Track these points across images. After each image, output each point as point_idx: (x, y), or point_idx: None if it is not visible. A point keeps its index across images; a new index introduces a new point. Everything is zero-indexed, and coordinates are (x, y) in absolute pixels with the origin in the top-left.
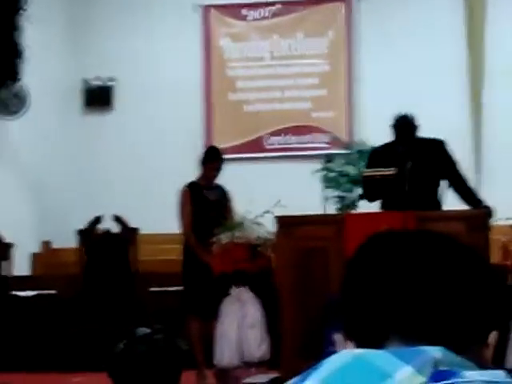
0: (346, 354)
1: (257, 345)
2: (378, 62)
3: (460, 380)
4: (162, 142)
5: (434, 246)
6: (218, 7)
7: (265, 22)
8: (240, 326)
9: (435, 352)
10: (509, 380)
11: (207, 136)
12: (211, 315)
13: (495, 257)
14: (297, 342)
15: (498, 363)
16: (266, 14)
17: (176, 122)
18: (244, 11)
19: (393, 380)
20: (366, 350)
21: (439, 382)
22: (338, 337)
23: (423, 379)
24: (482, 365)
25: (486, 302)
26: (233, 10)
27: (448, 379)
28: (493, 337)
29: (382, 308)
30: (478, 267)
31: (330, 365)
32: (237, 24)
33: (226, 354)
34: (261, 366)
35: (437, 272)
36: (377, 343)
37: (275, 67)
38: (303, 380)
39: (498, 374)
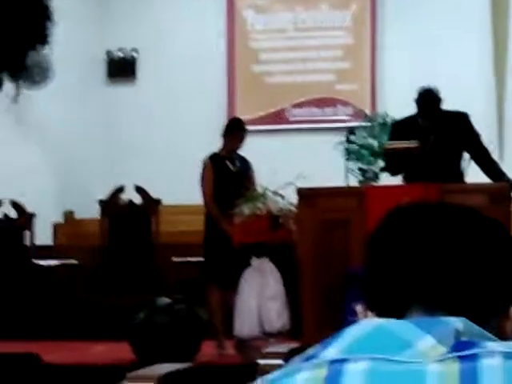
0: (367, 323)
1: (277, 315)
2: (401, 34)
3: (480, 350)
4: (184, 113)
5: (455, 217)
6: None
7: None
8: (260, 297)
9: (456, 323)
10: None
11: (230, 107)
12: (232, 285)
13: None
14: (317, 313)
15: None
16: None
17: (199, 93)
18: None
19: (414, 349)
20: (387, 320)
21: (460, 352)
22: (358, 307)
23: (444, 349)
24: (502, 337)
25: (508, 274)
26: None
27: (469, 349)
28: None
29: (403, 279)
30: (500, 239)
31: (350, 333)
32: None
33: (246, 324)
34: (281, 336)
35: (458, 243)
36: (398, 314)
37: (298, 39)
38: (324, 348)
39: None
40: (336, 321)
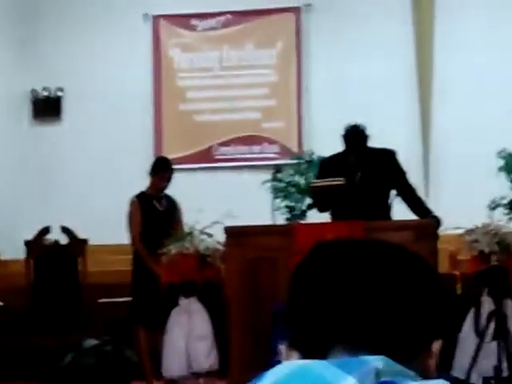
0: (289, 365)
1: (205, 355)
2: (327, 72)
3: None
4: (111, 152)
5: (376, 253)
6: (167, 17)
7: (214, 33)
8: (188, 337)
9: (377, 362)
10: None
11: (157, 146)
12: (160, 326)
13: (443, 266)
14: (245, 353)
15: (444, 371)
16: (216, 25)
17: (126, 132)
18: (194, 21)
19: None
20: (309, 361)
21: None
22: (282, 347)
23: None
24: (425, 374)
25: (429, 311)
26: (182, 20)
27: None
28: (437, 345)
29: (325, 317)
30: (422, 275)
31: (272, 376)
32: (187, 34)
33: (174, 364)
34: (209, 376)
35: (379, 280)
36: (320, 353)
37: (225, 77)
38: None
39: None
40: (264, 360)
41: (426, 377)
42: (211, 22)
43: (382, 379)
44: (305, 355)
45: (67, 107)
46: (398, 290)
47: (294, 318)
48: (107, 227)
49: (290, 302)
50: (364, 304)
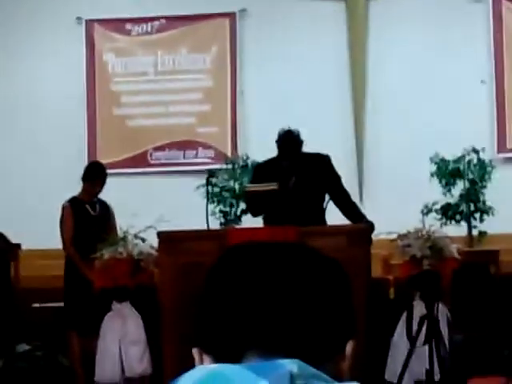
0: (201, 370)
1: (138, 360)
2: (261, 77)
3: None
4: (44, 156)
5: (288, 257)
6: (101, 22)
7: (149, 37)
8: (121, 342)
9: (291, 365)
10: None
11: (91, 151)
12: (92, 331)
13: (377, 271)
14: (178, 357)
15: (377, 375)
16: (150, 30)
17: (60, 137)
18: (128, 26)
19: None
20: (221, 365)
21: None
22: (194, 351)
23: None
24: (339, 376)
25: (340, 314)
26: (116, 25)
27: None
28: (350, 348)
29: (238, 321)
30: (335, 279)
31: (185, 381)
32: (121, 39)
33: (107, 370)
34: (143, 381)
35: (291, 284)
36: (234, 357)
37: (159, 82)
38: None
39: None
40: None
41: (340, 379)
42: (146, 26)
43: (297, 382)
44: (218, 359)
45: (0, 113)
46: (310, 293)
47: (207, 323)
48: (40, 232)
49: (202, 306)
50: (276, 308)
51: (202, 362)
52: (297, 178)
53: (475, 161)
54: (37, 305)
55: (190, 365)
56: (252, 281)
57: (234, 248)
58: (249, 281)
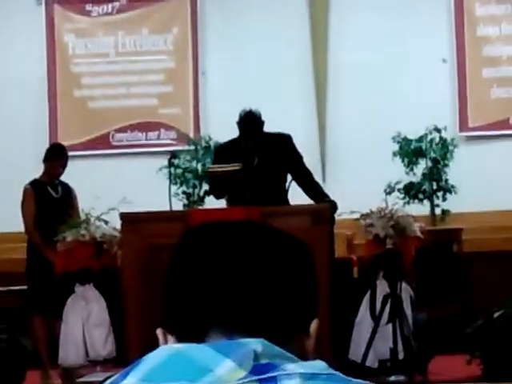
0: (164, 349)
1: (102, 343)
2: (223, 58)
3: (280, 373)
4: (5, 139)
5: (250, 235)
6: (61, 2)
7: (109, 18)
8: (85, 325)
9: (255, 344)
10: (328, 372)
11: (52, 133)
12: (56, 314)
13: (340, 250)
14: (142, 340)
15: (341, 355)
16: (111, 10)
17: (20, 119)
18: (88, 7)
19: (213, 374)
20: (184, 345)
21: (260, 375)
22: (158, 331)
23: (244, 373)
24: (304, 355)
25: (304, 292)
26: (77, 6)
27: (268, 372)
28: (314, 326)
29: (200, 300)
30: (298, 256)
31: (148, 361)
32: (81, 20)
33: (70, 353)
34: (106, 364)
35: (253, 262)
36: (197, 337)
37: (121, 63)
38: (123, 377)
39: (318, 366)
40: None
41: (305, 358)
42: (106, 7)
43: (261, 361)
44: (181, 339)
45: None
46: (272, 272)
47: (169, 302)
48: (1, 215)
49: (166, 286)
50: (238, 286)
51: (166, 343)
52: (259, 158)
53: (437, 139)
54: (0, 288)
55: (153, 347)
56: (214, 259)
57: (197, 227)
58: (211, 259)
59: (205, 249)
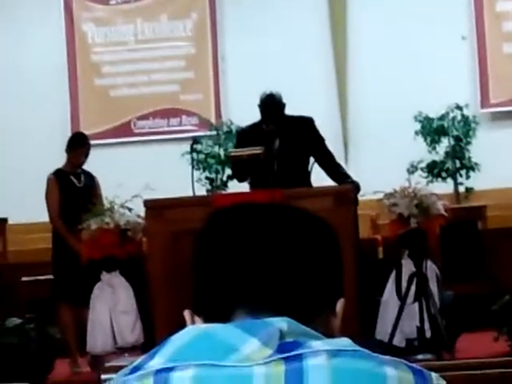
0: (191, 330)
1: (129, 330)
2: (243, 42)
3: (305, 350)
4: (27, 129)
5: (275, 216)
6: None
7: (128, 6)
8: (112, 312)
9: (281, 323)
10: (353, 348)
11: (73, 122)
12: (83, 302)
13: (364, 231)
14: (170, 326)
15: (368, 335)
16: None
17: (42, 109)
18: None
19: (239, 353)
20: (211, 325)
21: (285, 353)
22: (186, 312)
23: (270, 351)
24: (330, 334)
25: (330, 271)
26: None
27: (294, 350)
28: (340, 305)
29: (225, 280)
30: (323, 236)
31: (175, 341)
32: (100, 8)
33: (98, 340)
34: (134, 350)
35: (279, 242)
36: (224, 317)
37: (140, 51)
38: (150, 358)
39: (343, 343)
40: None
41: (330, 337)
42: None
43: (286, 340)
44: (208, 320)
45: None
46: (298, 251)
47: (198, 283)
48: (26, 205)
49: (194, 267)
50: (264, 266)
51: (193, 324)
52: (281, 141)
53: (459, 117)
54: (26, 278)
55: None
56: (240, 240)
57: (222, 209)
58: (237, 240)
59: (230, 230)
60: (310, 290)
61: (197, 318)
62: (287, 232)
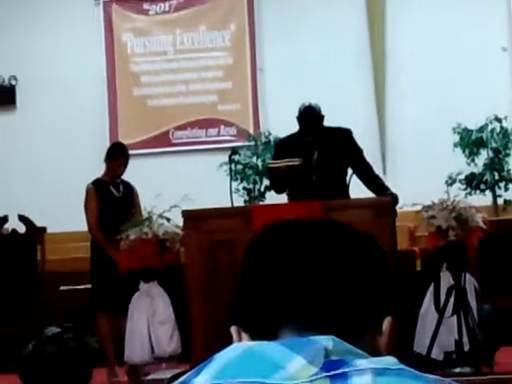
0: (237, 347)
1: (167, 340)
2: (281, 53)
3: (351, 369)
4: (66, 139)
5: (323, 233)
6: (119, 2)
7: (167, 16)
8: (150, 322)
9: (326, 341)
10: (399, 366)
11: (112, 132)
12: (121, 311)
13: (402, 243)
14: (207, 335)
15: (406, 347)
16: (168, 8)
17: (81, 119)
18: (146, 5)
19: (285, 371)
20: (256, 342)
21: (331, 371)
22: (233, 329)
23: (315, 369)
24: (375, 352)
25: (377, 289)
26: (134, 5)
27: (339, 368)
28: (387, 324)
29: (273, 298)
30: (370, 254)
31: (221, 358)
32: (139, 19)
33: (136, 350)
34: (172, 360)
35: (327, 260)
36: (270, 334)
37: (179, 61)
38: (196, 375)
39: (389, 361)
40: (225, 343)
41: (376, 355)
42: (163, 5)
43: (332, 358)
44: (255, 337)
45: (21, 95)
46: (345, 270)
47: (245, 300)
48: (65, 215)
49: (241, 284)
50: (311, 284)
51: (240, 341)
52: (319, 153)
53: (498, 129)
54: (64, 288)
55: (218, 343)
56: (288, 257)
57: (272, 225)
58: (285, 258)
59: (281, 247)
60: (357, 309)
61: (243, 335)
62: (337, 250)
